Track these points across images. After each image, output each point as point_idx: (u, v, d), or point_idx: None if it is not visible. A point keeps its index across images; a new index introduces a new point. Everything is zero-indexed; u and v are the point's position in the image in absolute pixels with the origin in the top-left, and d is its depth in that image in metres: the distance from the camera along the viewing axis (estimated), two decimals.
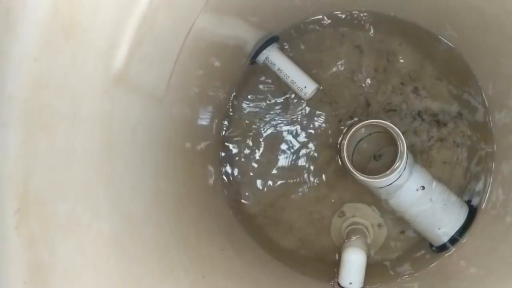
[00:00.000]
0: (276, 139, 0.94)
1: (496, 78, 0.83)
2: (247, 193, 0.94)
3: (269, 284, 0.85)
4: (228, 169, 0.94)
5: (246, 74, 0.94)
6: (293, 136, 0.94)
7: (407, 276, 0.87)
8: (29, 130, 0.42)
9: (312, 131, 0.93)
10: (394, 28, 0.91)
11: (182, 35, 0.63)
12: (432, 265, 0.85)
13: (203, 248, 0.76)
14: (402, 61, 0.91)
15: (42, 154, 0.44)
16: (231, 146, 0.94)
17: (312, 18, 0.93)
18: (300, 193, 0.93)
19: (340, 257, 0.82)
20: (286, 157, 0.94)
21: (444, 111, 0.90)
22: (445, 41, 0.89)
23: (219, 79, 0.87)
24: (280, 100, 0.94)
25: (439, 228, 0.82)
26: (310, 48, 0.94)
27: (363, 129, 0.85)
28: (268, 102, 0.94)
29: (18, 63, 0.40)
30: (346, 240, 0.87)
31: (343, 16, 0.93)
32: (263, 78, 0.94)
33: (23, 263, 0.42)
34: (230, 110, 0.94)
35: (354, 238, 0.85)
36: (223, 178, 0.94)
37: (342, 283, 0.78)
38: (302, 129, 0.94)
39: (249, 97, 0.94)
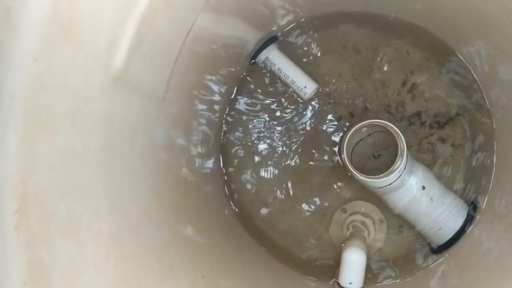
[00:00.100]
0: (275, 139, 0.94)
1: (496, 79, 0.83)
2: (247, 193, 0.94)
3: (269, 284, 0.85)
4: (228, 169, 0.94)
5: (246, 74, 0.94)
6: (293, 136, 0.94)
7: (407, 276, 0.87)
8: (29, 130, 0.42)
9: (312, 131, 0.93)
10: (395, 28, 0.91)
11: (182, 35, 0.63)
12: (432, 265, 0.86)
13: (203, 248, 0.76)
14: (402, 61, 0.91)
15: (42, 154, 0.44)
16: (231, 146, 0.94)
17: (312, 18, 0.93)
18: (299, 193, 0.93)
19: (340, 256, 0.82)
20: (286, 157, 0.94)
21: (444, 112, 0.90)
22: (445, 41, 0.89)
23: (219, 79, 0.87)
24: (279, 100, 0.94)
25: (440, 228, 0.82)
26: (310, 48, 0.94)
27: (363, 129, 0.85)
28: (267, 102, 0.94)
29: (18, 63, 0.40)
30: (346, 240, 0.87)
31: (343, 16, 0.93)
32: (263, 78, 0.94)
33: (23, 263, 0.42)
34: (230, 109, 0.94)
35: (354, 238, 0.85)
36: (223, 178, 0.94)
37: (342, 283, 0.78)
38: (302, 129, 0.93)
39: (248, 96, 0.94)
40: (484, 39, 0.78)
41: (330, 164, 0.93)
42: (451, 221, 0.82)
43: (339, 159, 0.92)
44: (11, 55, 0.40)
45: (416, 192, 0.81)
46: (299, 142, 0.94)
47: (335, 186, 0.92)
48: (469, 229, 0.83)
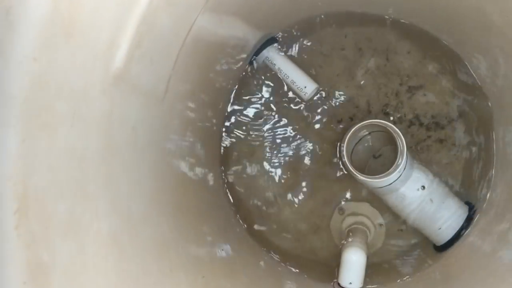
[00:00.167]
0: (275, 138, 0.94)
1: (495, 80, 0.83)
2: (247, 193, 0.94)
3: (269, 284, 0.85)
4: (228, 169, 0.94)
5: (246, 74, 0.94)
6: (292, 136, 0.94)
7: (407, 276, 0.87)
8: (29, 130, 0.42)
9: (312, 131, 0.93)
10: (395, 29, 0.91)
11: (182, 34, 0.63)
12: (433, 265, 0.86)
13: (203, 248, 0.75)
14: (402, 61, 0.91)
15: (42, 154, 0.44)
16: (231, 146, 0.94)
17: (312, 18, 0.93)
18: (299, 193, 0.93)
19: (340, 256, 0.82)
20: (286, 157, 0.94)
21: (444, 112, 0.90)
22: (445, 41, 0.89)
23: (219, 78, 0.87)
24: (279, 100, 0.94)
25: (440, 228, 0.82)
26: (310, 48, 0.94)
27: (363, 129, 0.85)
28: (267, 101, 0.94)
29: (18, 63, 0.40)
30: (346, 240, 0.87)
31: (343, 16, 0.93)
32: (263, 78, 0.94)
33: (23, 263, 0.42)
34: (230, 109, 0.94)
35: (354, 238, 0.85)
36: (223, 178, 0.94)
37: (342, 283, 0.78)
38: (302, 128, 0.93)
39: (248, 96, 0.94)
40: (484, 39, 0.78)
41: (330, 164, 0.93)
42: (451, 221, 0.82)
43: (339, 160, 0.92)
44: (11, 55, 0.40)
45: (416, 192, 0.81)
46: (299, 143, 0.94)
47: (335, 187, 0.92)
48: (469, 229, 0.83)
